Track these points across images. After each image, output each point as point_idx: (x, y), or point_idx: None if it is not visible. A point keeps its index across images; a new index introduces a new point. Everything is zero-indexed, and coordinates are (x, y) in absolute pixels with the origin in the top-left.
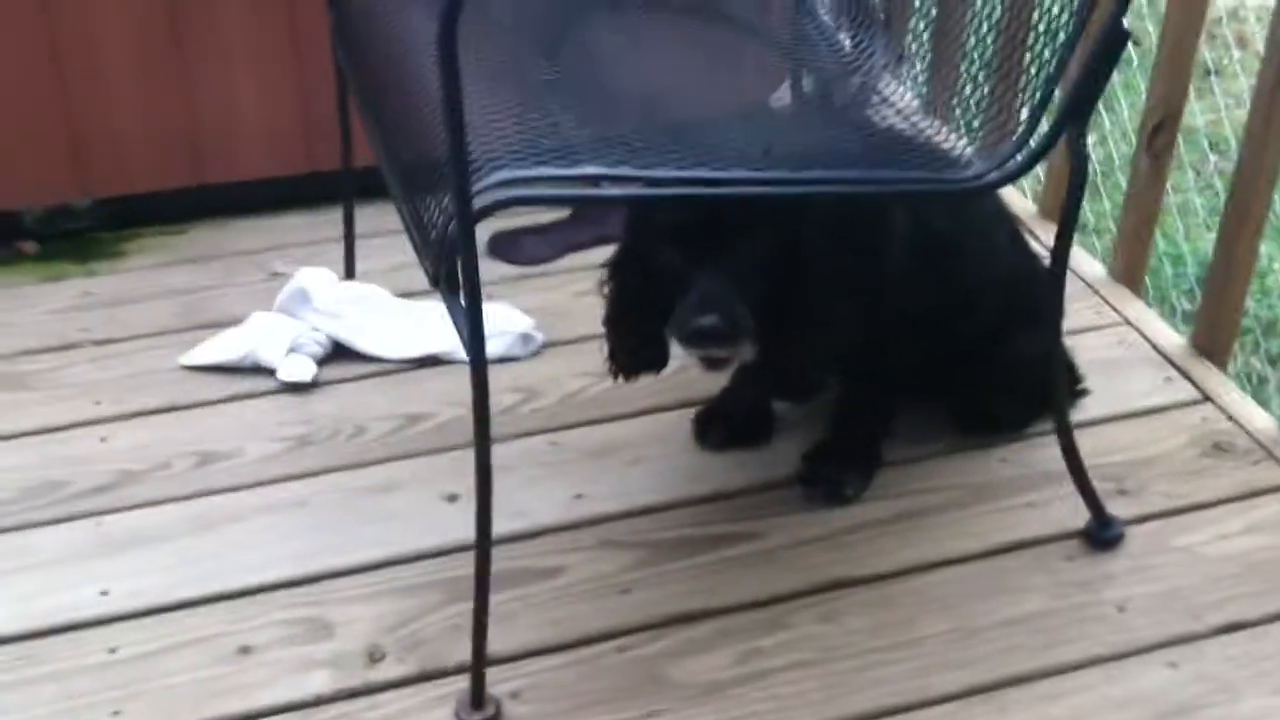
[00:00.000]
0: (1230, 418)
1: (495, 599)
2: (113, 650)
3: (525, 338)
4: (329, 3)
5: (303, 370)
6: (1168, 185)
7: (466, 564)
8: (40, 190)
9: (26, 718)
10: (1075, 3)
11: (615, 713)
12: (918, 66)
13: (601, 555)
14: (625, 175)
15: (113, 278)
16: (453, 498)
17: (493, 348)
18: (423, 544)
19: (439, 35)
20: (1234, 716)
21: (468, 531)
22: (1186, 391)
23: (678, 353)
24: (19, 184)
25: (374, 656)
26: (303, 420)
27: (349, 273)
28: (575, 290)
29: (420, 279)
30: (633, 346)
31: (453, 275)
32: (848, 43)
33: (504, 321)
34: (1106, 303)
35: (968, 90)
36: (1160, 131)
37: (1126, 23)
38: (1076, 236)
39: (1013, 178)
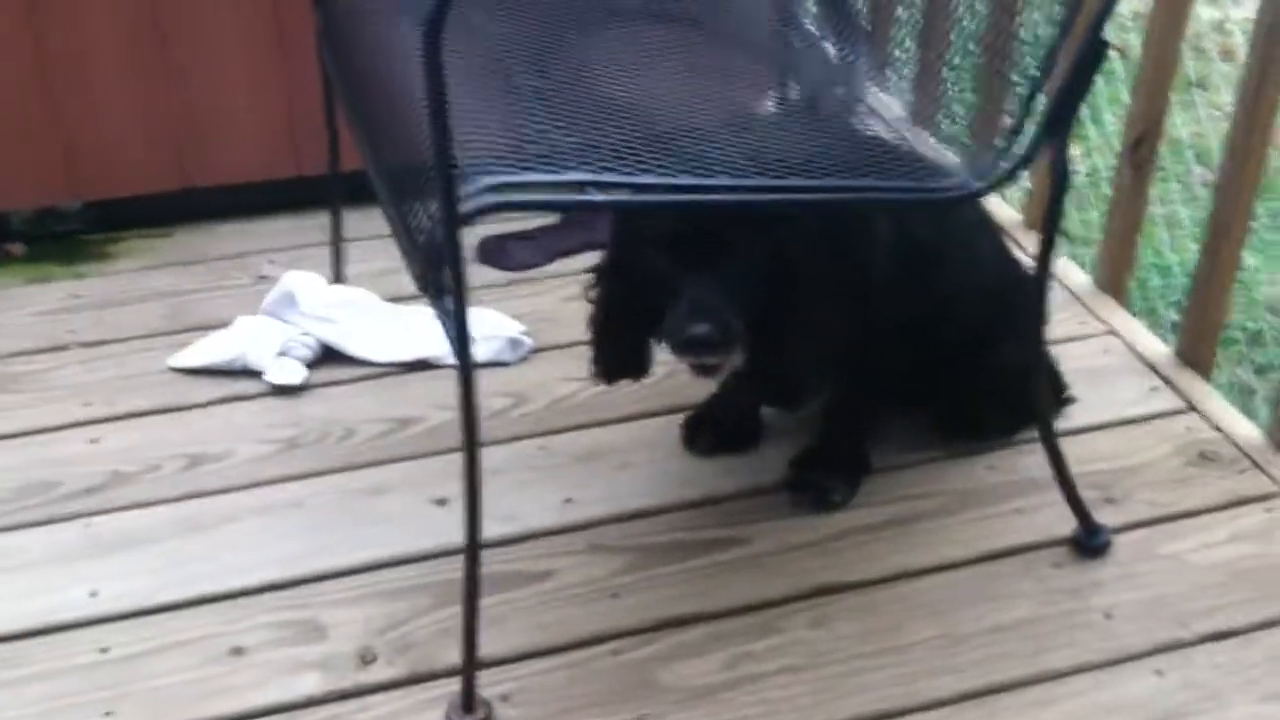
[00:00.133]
0: (1215, 427)
1: (485, 602)
2: (103, 651)
3: (514, 343)
4: (315, 8)
5: (292, 373)
6: (1154, 197)
7: (456, 567)
8: (28, 193)
9: (16, 717)
10: (1057, 15)
11: (605, 716)
12: (902, 76)
13: (591, 559)
14: (611, 182)
15: (100, 280)
16: (442, 501)
17: (481, 352)
18: (413, 547)
19: (424, 39)
20: None
21: (457, 535)
22: (1171, 401)
23: (665, 358)
24: (7, 186)
25: (365, 659)
26: (292, 423)
27: (336, 277)
28: (563, 296)
29: (408, 283)
30: (617, 351)
31: (440, 280)
32: (833, 52)
33: (492, 326)
34: (1091, 312)
35: (952, 100)
36: (1142, 144)
37: (1108, 35)
38: (1063, 247)
39: (996, 187)
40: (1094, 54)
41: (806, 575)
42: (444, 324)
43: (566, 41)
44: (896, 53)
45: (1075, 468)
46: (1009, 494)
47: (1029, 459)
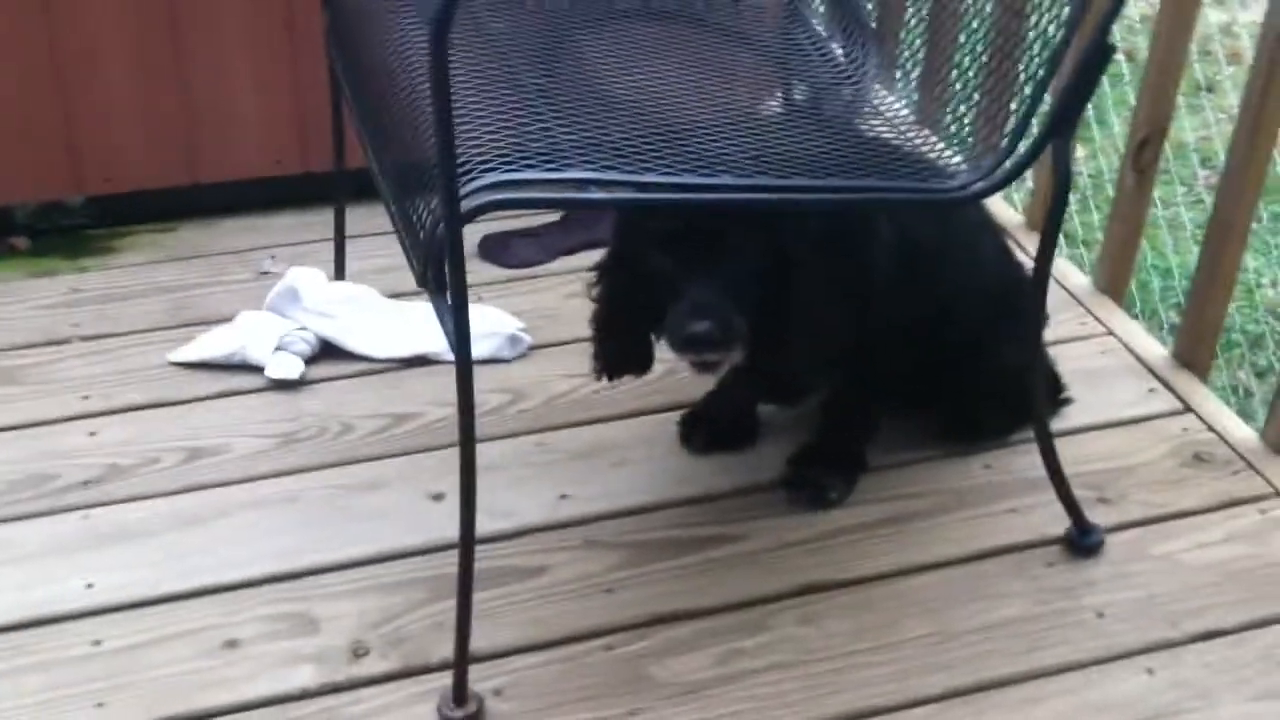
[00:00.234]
0: (1211, 428)
1: (480, 597)
2: (97, 643)
3: (513, 339)
4: (324, 5)
5: (291, 368)
6: (1158, 200)
7: (451, 562)
8: (33, 186)
9: (11, 707)
10: (1064, 16)
11: (597, 711)
12: (909, 77)
13: (586, 555)
14: (613, 180)
15: (103, 274)
16: (438, 496)
17: (480, 349)
18: (408, 542)
19: (430, 37)
20: None
21: (453, 530)
22: (1168, 402)
23: (664, 356)
24: (12, 180)
25: (358, 652)
26: (290, 418)
27: (339, 273)
28: (565, 293)
29: (410, 279)
30: (619, 348)
31: (440, 276)
32: (840, 53)
33: (492, 323)
34: (1091, 314)
35: (957, 102)
36: (1146, 147)
37: (1116, 37)
38: (1064, 248)
39: (998, 188)
40: (1099, 56)
41: (800, 572)
42: (443, 320)
43: (571, 39)
44: (903, 53)
45: (1070, 468)
46: (1004, 493)
47: (1025, 459)
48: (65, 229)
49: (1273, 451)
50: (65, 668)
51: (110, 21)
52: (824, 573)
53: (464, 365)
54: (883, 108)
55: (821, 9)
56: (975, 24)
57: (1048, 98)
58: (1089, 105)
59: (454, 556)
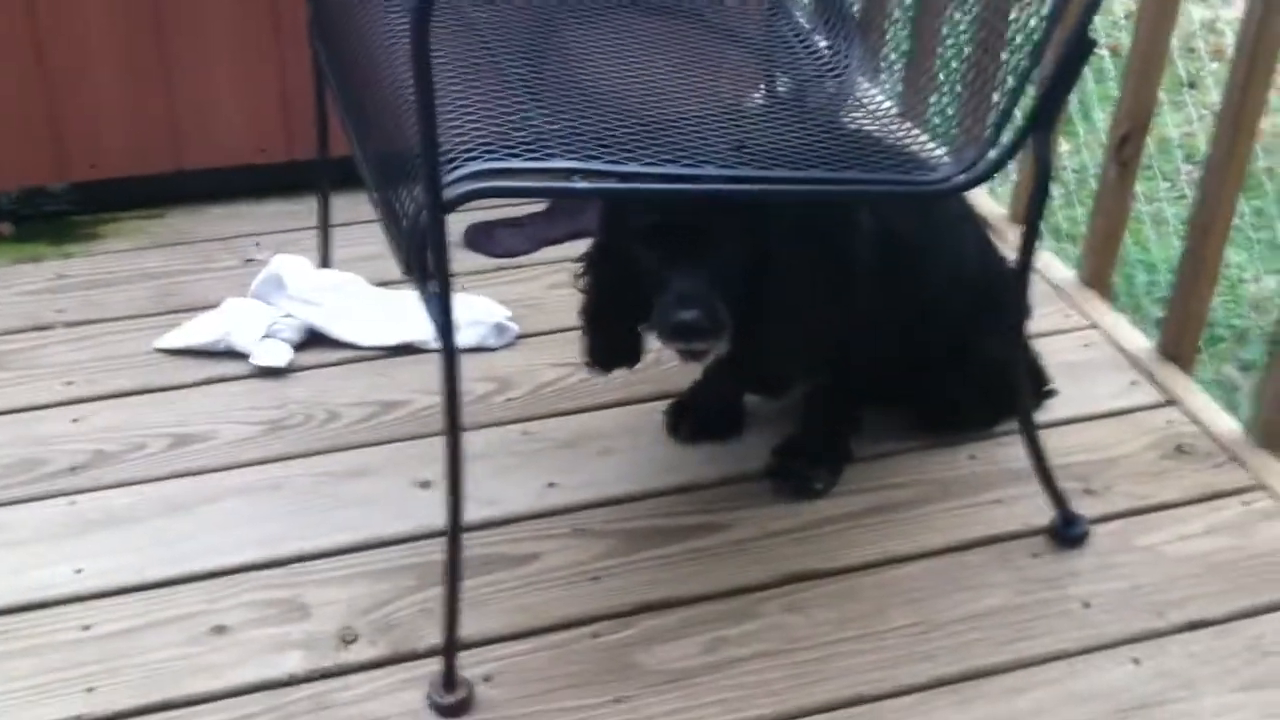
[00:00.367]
0: (1194, 421)
1: (468, 584)
2: (86, 628)
3: (499, 328)
4: None
5: (277, 355)
6: (1142, 195)
7: (439, 549)
8: (17, 172)
9: (1, 692)
10: (1046, 10)
11: (584, 698)
12: (892, 70)
13: (573, 543)
14: (596, 169)
15: (88, 260)
16: (425, 484)
17: (466, 338)
18: (396, 529)
19: (412, 26)
20: (1195, 712)
21: (440, 517)
22: (1152, 395)
23: (650, 346)
24: None
25: (346, 638)
26: (276, 405)
27: (324, 260)
28: (550, 282)
29: (396, 268)
30: (608, 341)
31: (424, 264)
32: (823, 45)
33: (479, 312)
34: (1075, 307)
35: (940, 94)
36: (1127, 141)
37: (1102, 33)
38: (1049, 242)
39: (979, 180)
40: (1081, 49)
41: (786, 562)
42: (428, 308)
43: (555, 30)
44: (886, 46)
45: (1055, 459)
46: (989, 484)
47: (1010, 450)
48: (50, 215)
49: (1256, 444)
50: (54, 653)
51: (96, 9)
52: (809, 562)
53: (450, 354)
54: (866, 100)
55: (805, 2)
56: (958, 17)
57: (1030, 90)
58: (1073, 100)
59: (441, 544)
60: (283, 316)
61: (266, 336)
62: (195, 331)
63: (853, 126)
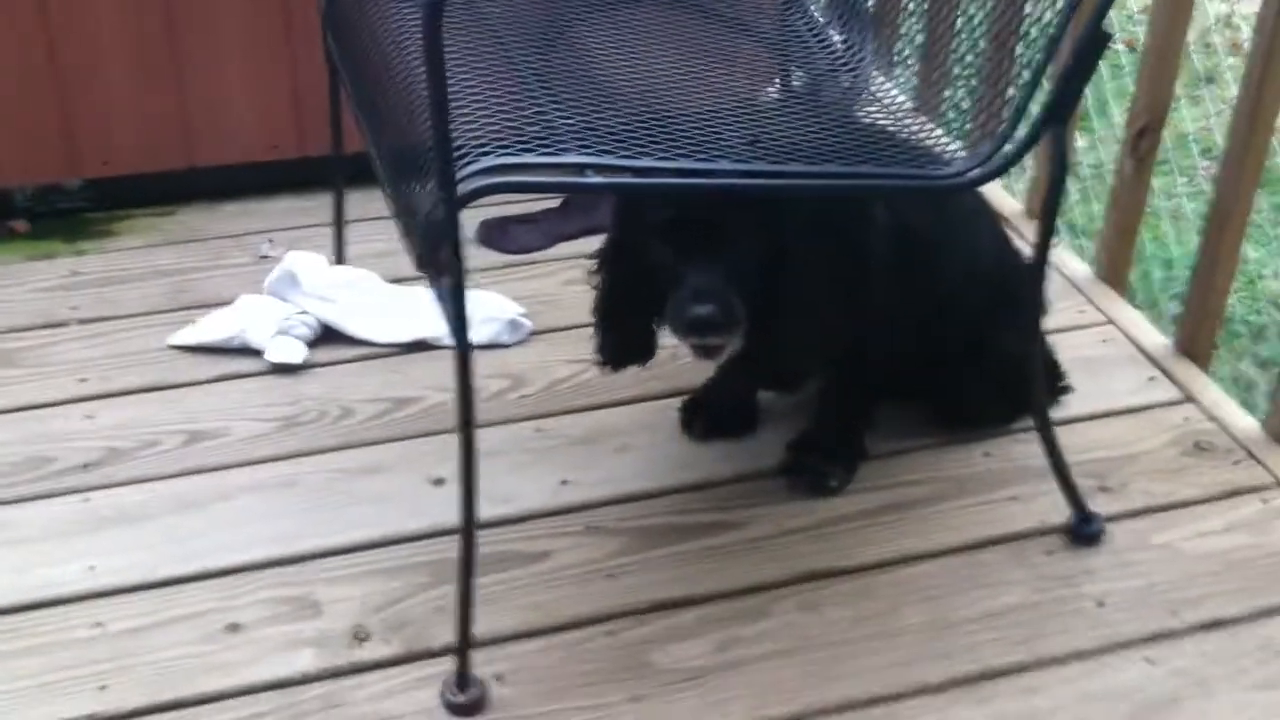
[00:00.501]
0: (1212, 418)
1: (481, 582)
2: (98, 625)
3: (513, 325)
4: None
5: (291, 352)
6: (1160, 191)
7: (452, 547)
8: (32, 169)
9: (12, 690)
10: (1061, 4)
11: (598, 696)
12: (907, 63)
13: (587, 541)
14: (610, 164)
15: (102, 257)
16: (439, 481)
17: (480, 334)
18: (409, 526)
19: (425, 20)
20: (1210, 712)
21: (454, 514)
22: (1169, 391)
23: (665, 342)
24: (11, 162)
25: (359, 636)
26: (290, 401)
27: (338, 257)
28: (565, 279)
29: (409, 264)
30: (621, 338)
31: (438, 260)
32: (838, 40)
33: (492, 309)
34: (1091, 302)
35: (955, 88)
36: (1144, 135)
37: (1118, 28)
38: (1065, 238)
39: (995, 174)
40: (1096, 42)
41: (800, 560)
42: (442, 305)
43: (569, 25)
44: (901, 40)
45: (1071, 456)
46: (1004, 481)
47: (1025, 447)
48: (64, 212)
49: (1274, 441)
50: (67, 650)
51: (107, 6)
52: (824, 560)
53: (463, 350)
54: (880, 95)
55: None
56: (973, 10)
57: (1045, 84)
58: (1088, 95)
59: (455, 541)
60: (297, 313)
61: (280, 333)
62: (209, 328)
63: (867, 121)
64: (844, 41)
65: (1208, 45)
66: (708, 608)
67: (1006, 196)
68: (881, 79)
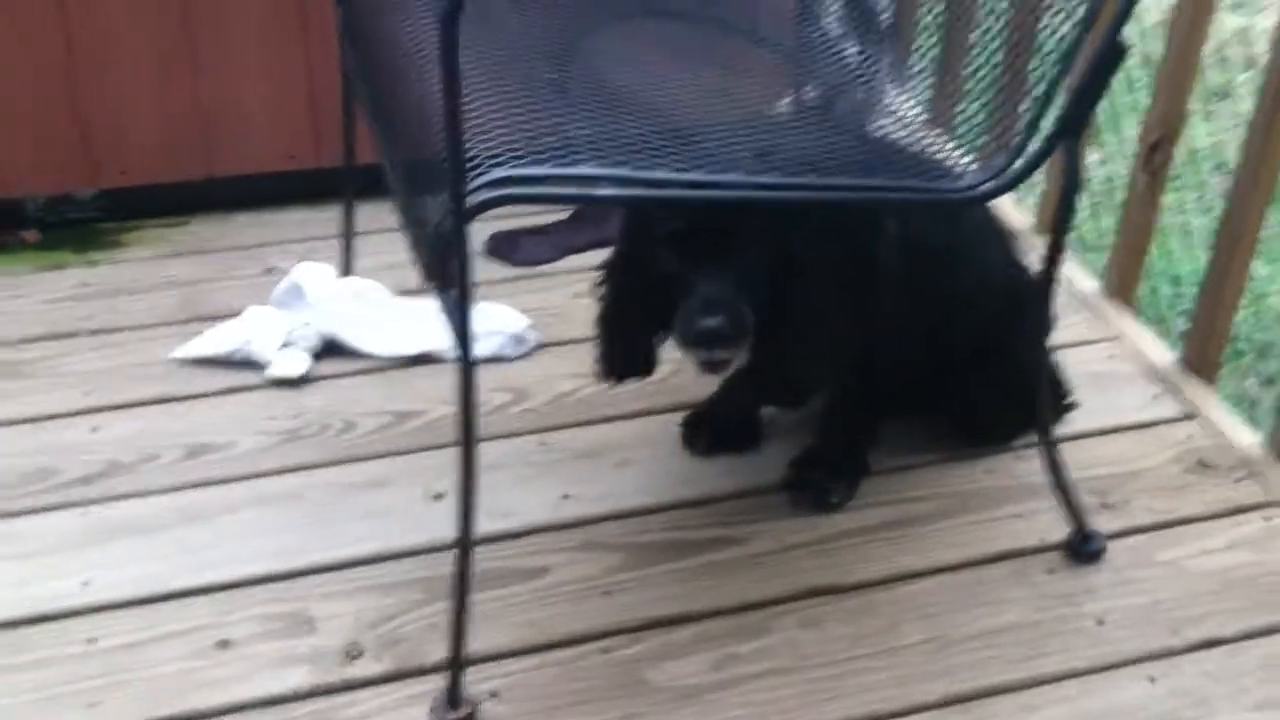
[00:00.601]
0: (1216, 435)
1: (477, 598)
2: (92, 641)
3: (518, 338)
4: (338, 1)
5: (295, 365)
6: (1170, 206)
7: (449, 562)
8: (44, 179)
9: (3, 705)
10: (1079, 16)
11: (593, 715)
12: (922, 77)
13: (586, 557)
14: (622, 176)
15: (113, 268)
16: (439, 496)
17: (484, 347)
18: (407, 541)
19: (440, 29)
20: None
21: (452, 529)
22: (1174, 408)
23: (669, 357)
24: (23, 172)
25: (352, 653)
26: (293, 415)
27: (347, 269)
28: (573, 292)
29: (418, 277)
30: (624, 350)
31: (445, 271)
32: (853, 53)
33: (498, 322)
34: (1099, 318)
35: (969, 101)
36: (1158, 149)
37: (1133, 44)
38: (1074, 253)
39: (1008, 188)
40: (1112, 55)
41: (801, 576)
42: (447, 316)
43: (584, 37)
44: (917, 53)
45: (1074, 473)
46: (1006, 498)
47: (1027, 464)
48: (75, 222)
49: (1277, 459)
50: (59, 666)
51: (125, 16)
52: (825, 577)
53: (466, 362)
54: (895, 108)
55: (835, 9)
56: (989, 23)
57: (1060, 98)
58: (1101, 110)
59: (452, 556)
60: (302, 325)
61: (285, 346)
62: (215, 340)
63: (880, 133)
64: (859, 54)
65: (1223, 59)
66: (705, 625)
67: (1017, 211)
68: (896, 92)
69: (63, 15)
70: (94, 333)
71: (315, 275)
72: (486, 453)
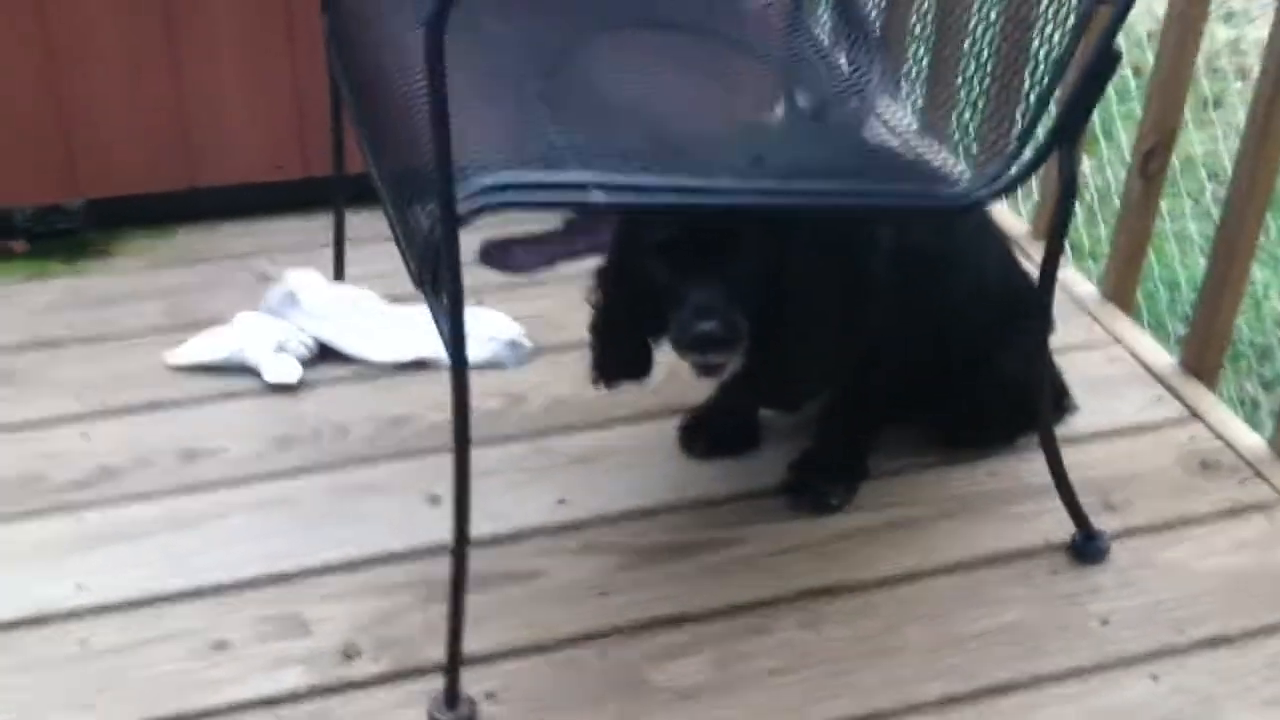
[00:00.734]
0: (1218, 436)
1: (473, 600)
2: (85, 644)
3: (513, 345)
4: (324, 8)
5: (288, 371)
6: (1166, 213)
7: (445, 565)
8: (32, 189)
9: None
10: (1070, 24)
11: (590, 715)
12: (914, 86)
13: (582, 559)
14: (612, 183)
15: (101, 278)
16: (435, 500)
17: (479, 354)
18: (403, 545)
19: (425, 36)
20: None
21: (448, 533)
22: (1175, 410)
23: (664, 361)
24: (11, 183)
25: (349, 654)
26: (286, 420)
27: (338, 276)
28: (567, 299)
29: (409, 284)
30: (617, 355)
31: (436, 277)
32: (844, 63)
33: (492, 328)
34: (1098, 322)
35: (962, 109)
36: (1153, 156)
37: (1124, 53)
38: (1072, 261)
39: (1002, 194)
40: (1105, 62)
41: (799, 577)
42: (439, 322)
43: (573, 46)
44: (908, 62)
45: (1076, 474)
46: (1008, 499)
47: (1029, 465)
48: (63, 232)
49: None
50: (53, 669)
51: (108, 25)
52: (824, 577)
53: (459, 367)
54: (887, 117)
55: (825, 19)
56: (980, 31)
57: (1053, 105)
58: (1095, 118)
59: (448, 559)
60: (294, 332)
61: (278, 351)
62: (206, 347)
63: (874, 141)
64: (850, 64)
65: (1215, 70)
66: (704, 625)
67: (1013, 217)
68: (888, 101)
69: (44, 25)
70: (84, 340)
71: (308, 282)
72: (482, 458)
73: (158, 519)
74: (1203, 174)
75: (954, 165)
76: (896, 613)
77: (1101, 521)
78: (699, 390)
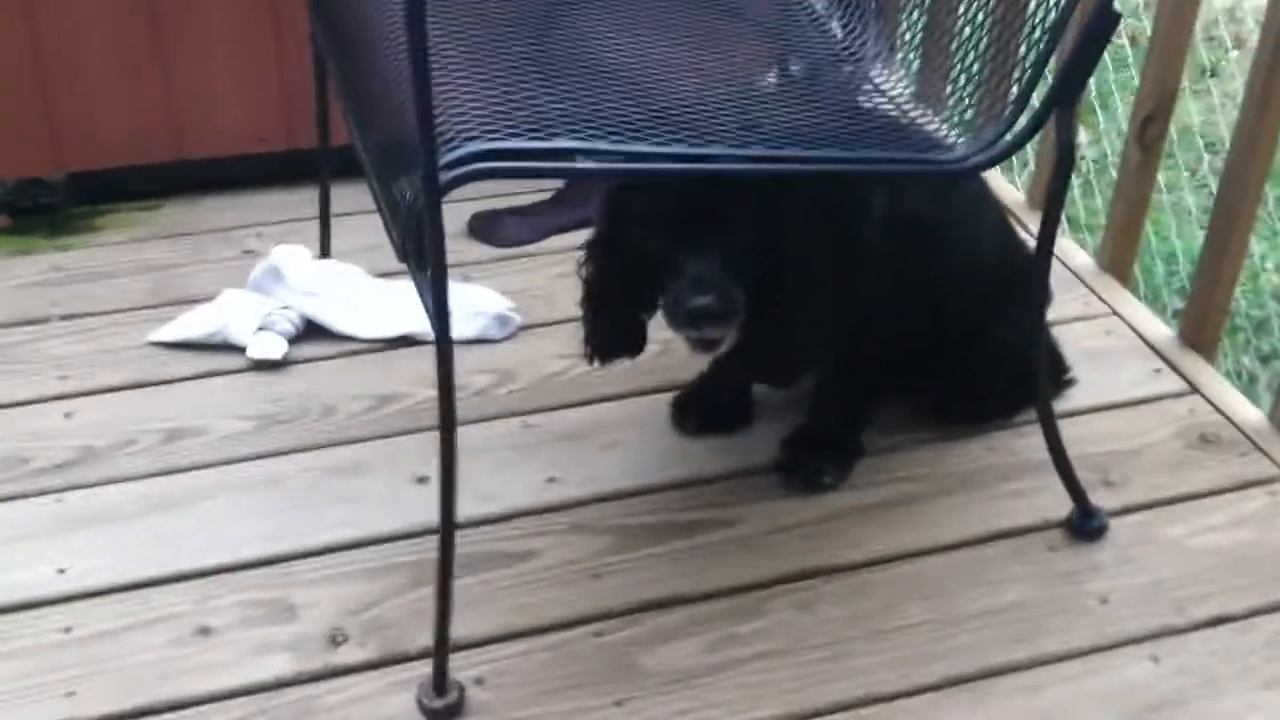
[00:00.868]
0: (1218, 410)
1: (462, 583)
2: (68, 630)
3: (501, 319)
4: None
5: (273, 348)
6: (1163, 184)
7: (433, 547)
8: (14, 163)
9: None
10: None
11: (582, 700)
12: (910, 51)
13: (573, 540)
14: (601, 150)
15: (85, 253)
16: (422, 480)
17: (468, 329)
18: (390, 526)
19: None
20: (1216, 710)
21: (436, 514)
22: (1174, 383)
23: (657, 336)
24: None
25: (336, 640)
26: (272, 399)
27: (324, 251)
28: (557, 272)
29: (395, 259)
30: (610, 330)
31: (420, 250)
32: (839, 29)
33: (480, 303)
34: (1095, 294)
35: (959, 77)
36: (1151, 123)
37: (1122, 20)
38: (1068, 233)
39: (999, 160)
40: (1105, 23)
41: (794, 557)
42: (424, 295)
43: (563, 9)
44: (903, 26)
45: (1074, 450)
46: (1006, 476)
47: (1027, 441)
48: (46, 207)
49: None
50: (35, 655)
51: None
52: (819, 557)
53: (444, 342)
54: (882, 83)
55: None
56: None
57: (1050, 69)
58: (1092, 88)
59: (436, 541)
60: (280, 308)
61: (263, 328)
62: (191, 324)
63: (868, 106)
64: (845, 30)
65: (1211, 38)
66: (698, 607)
67: (1009, 187)
68: (883, 67)
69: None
70: (67, 317)
71: (292, 257)
72: (470, 436)
73: (141, 500)
74: (1200, 144)
75: (950, 131)
76: (893, 592)
77: (1100, 498)
78: (690, 366)
